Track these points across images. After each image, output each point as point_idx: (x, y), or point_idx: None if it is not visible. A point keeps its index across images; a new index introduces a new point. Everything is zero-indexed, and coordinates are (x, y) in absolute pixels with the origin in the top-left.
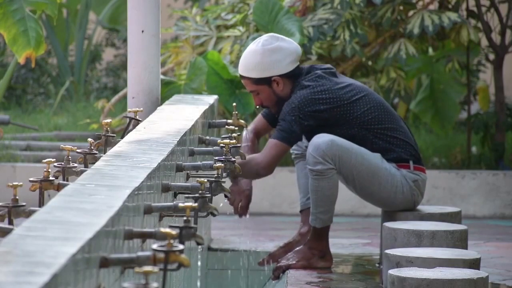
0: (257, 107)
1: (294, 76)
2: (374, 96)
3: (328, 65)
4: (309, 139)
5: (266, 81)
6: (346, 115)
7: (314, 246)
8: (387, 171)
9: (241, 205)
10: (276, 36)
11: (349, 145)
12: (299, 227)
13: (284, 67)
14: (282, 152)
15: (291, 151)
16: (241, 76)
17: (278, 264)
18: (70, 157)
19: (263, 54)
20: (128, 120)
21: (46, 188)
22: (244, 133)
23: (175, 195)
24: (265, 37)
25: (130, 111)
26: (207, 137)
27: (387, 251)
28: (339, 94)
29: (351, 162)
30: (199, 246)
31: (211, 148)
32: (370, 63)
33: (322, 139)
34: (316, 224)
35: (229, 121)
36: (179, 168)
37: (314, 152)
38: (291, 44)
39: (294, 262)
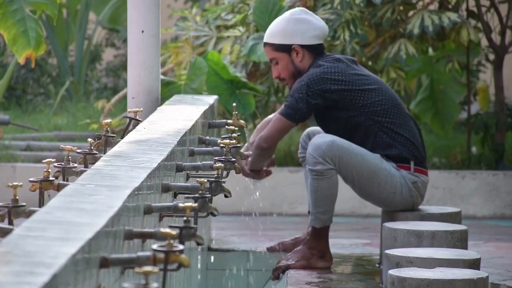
0: (274, 79)
1: (315, 52)
2: (388, 90)
3: (352, 57)
4: (319, 121)
5: (286, 49)
6: (355, 101)
7: (313, 246)
8: (387, 172)
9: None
10: (306, 11)
11: (349, 145)
12: (307, 227)
13: (306, 38)
14: (284, 127)
15: (299, 155)
16: (264, 44)
17: (278, 265)
18: (70, 157)
19: (289, 21)
20: (128, 120)
21: (46, 188)
22: (246, 145)
23: (175, 195)
24: (296, 8)
25: (130, 111)
26: (207, 137)
27: (387, 251)
28: (352, 79)
29: (351, 163)
30: (199, 246)
31: (211, 148)
32: (370, 63)
33: (322, 139)
34: (316, 224)
35: (229, 121)
36: (179, 168)
37: (314, 152)
38: (319, 21)
39: (293, 262)
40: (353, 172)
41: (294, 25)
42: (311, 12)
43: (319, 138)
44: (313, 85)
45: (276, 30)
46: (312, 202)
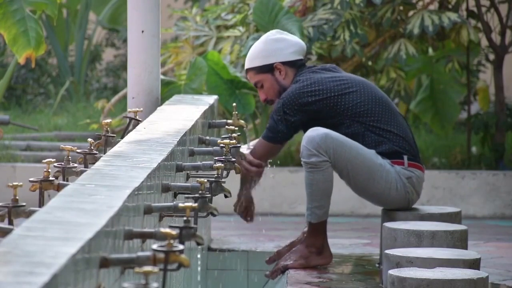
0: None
1: (296, 67)
2: (371, 90)
3: (330, 64)
4: (305, 131)
5: (268, 69)
6: (336, 107)
7: (311, 243)
8: (382, 167)
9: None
10: (281, 31)
11: (343, 139)
12: (303, 228)
13: (286, 55)
14: (268, 150)
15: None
16: (246, 71)
17: (276, 266)
18: (70, 157)
19: (266, 42)
20: (128, 120)
21: (46, 188)
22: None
23: (175, 195)
24: (271, 30)
25: (130, 111)
26: (207, 137)
27: (387, 251)
28: (330, 86)
29: (345, 156)
30: (199, 246)
31: (211, 148)
32: (370, 63)
33: (316, 132)
34: (312, 219)
35: (229, 121)
36: (179, 168)
37: (308, 144)
38: (295, 38)
39: (291, 262)
40: (348, 165)
41: (271, 45)
42: (286, 32)
43: (312, 131)
44: (289, 103)
45: (255, 53)
46: (308, 196)
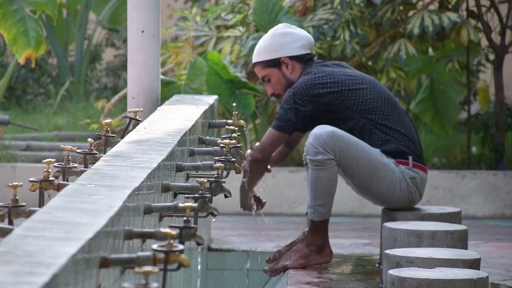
0: (271, 98)
1: (304, 61)
2: (380, 88)
3: (340, 61)
4: (312, 126)
5: (275, 63)
6: (346, 101)
7: (311, 242)
8: (386, 166)
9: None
10: (288, 25)
11: (349, 137)
12: (304, 228)
13: (293, 49)
14: (275, 138)
15: (304, 157)
16: (253, 65)
17: (276, 266)
18: (70, 157)
19: (273, 37)
20: (128, 120)
21: (46, 188)
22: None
23: (175, 195)
24: (279, 24)
25: (130, 111)
26: (207, 137)
27: (387, 251)
28: (341, 79)
29: (351, 154)
30: (199, 246)
31: (211, 148)
32: (370, 63)
33: (323, 130)
34: (314, 217)
35: (229, 121)
36: (179, 168)
37: (315, 142)
38: (302, 32)
39: (291, 262)
40: (353, 164)
41: (278, 39)
42: (294, 26)
43: (319, 128)
44: (300, 93)
45: (262, 48)
46: (311, 194)
